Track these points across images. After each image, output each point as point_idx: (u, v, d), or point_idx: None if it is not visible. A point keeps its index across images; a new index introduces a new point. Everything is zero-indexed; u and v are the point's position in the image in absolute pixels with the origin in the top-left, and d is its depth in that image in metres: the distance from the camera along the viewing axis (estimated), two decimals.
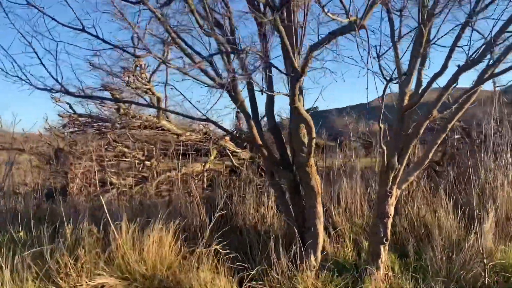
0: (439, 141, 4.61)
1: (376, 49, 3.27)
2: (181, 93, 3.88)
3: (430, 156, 4.59)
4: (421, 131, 4.38)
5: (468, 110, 4.59)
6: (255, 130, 4.12)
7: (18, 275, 3.84)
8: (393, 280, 4.50)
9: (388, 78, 3.59)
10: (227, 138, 9.41)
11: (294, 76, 3.08)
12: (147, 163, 7.70)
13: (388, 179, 4.38)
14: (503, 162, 5.89)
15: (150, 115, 8.45)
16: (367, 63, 3.24)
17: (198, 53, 3.86)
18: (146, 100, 7.72)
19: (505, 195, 5.44)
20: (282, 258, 4.35)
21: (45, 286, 3.83)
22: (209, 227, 4.47)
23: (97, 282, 3.73)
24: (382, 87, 3.63)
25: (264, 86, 4.13)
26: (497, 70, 4.11)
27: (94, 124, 7.97)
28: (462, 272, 4.45)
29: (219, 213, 4.63)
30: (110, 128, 7.51)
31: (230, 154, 9.09)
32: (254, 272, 4.24)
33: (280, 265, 4.33)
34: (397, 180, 4.40)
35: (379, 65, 3.46)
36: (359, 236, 5.14)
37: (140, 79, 7.28)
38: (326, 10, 2.74)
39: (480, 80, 4.25)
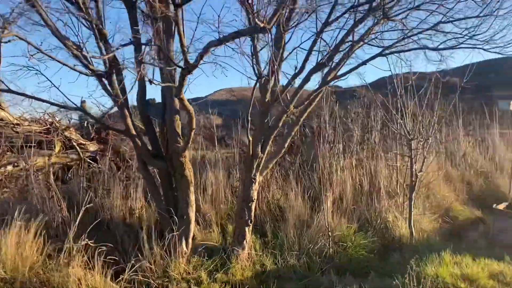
0: (293, 133, 5.28)
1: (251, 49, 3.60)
2: (48, 79, 3.56)
3: (286, 146, 5.22)
4: (280, 124, 4.95)
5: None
6: (129, 120, 4.06)
7: None
8: (256, 258, 4.98)
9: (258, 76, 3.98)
10: (72, 129, 8.75)
11: (186, 68, 3.20)
12: None
13: (252, 166, 4.83)
14: (336, 151, 7.02)
15: None
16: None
17: (62, 35, 3.61)
18: None
19: (338, 179, 6.51)
20: (155, 247, 4.41)
21: None
22: (74, 223, 4.21)
23: None
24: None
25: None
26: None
27: None
28: (310, 245, 5.21)
29: (84, 208, 4.39)
30: None
31: (77, 146, 8.49)
32: (127, 264, 4.18)
33: (153, 255, 4.39)
34: (260, 167, 4.89)
35: (253, 65, 3.81)
36: (225, 221, 5.51)
37: None
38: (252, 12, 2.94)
39: (325, 82, 5.02)
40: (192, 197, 4.58)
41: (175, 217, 4.58)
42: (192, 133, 3.98)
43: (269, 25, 3.15)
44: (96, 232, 4.44)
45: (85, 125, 8.97)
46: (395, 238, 5.83)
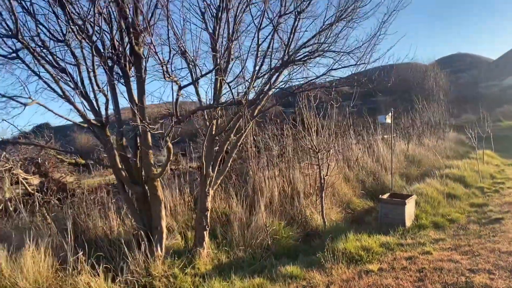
0: (234, 154, 6.82)
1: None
2: None
3: (228, 165, 6.74)
4: (224, 149, 6.47)
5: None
6: (117, 159, 5.27)
7: None
8: (213, 255, 6.40)
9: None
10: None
11: (177, 122, 4.54)
12: None
13: (206, 183, 6.26)
14: (261, 165, 8.72)
15: None
16: None
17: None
18: None
19: (267, 186, 8.19)
20: (137, 254, 5.61)
21: None
22: (71, 242, 5.27)
23: None
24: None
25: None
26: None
27: None
28: (252, 240, 6.76)
29: (71, 229, 5.44)
30: None
31: (23, 180, 9.09)
32: (118, 269, 5.35)
33: (136, 260, 5.59)
34: (212, 184, 6.34)
35: (204, 115, 5.31)
36: (184, 229, 6.84)
37: None
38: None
39: (252, 116, 6.62)
40: (163, 212, 5.87)
41: (149, 229, 5.82)
42: (168, 164, 5.30)
43: (245, 101, 4.68)
44: (88, 249, 5.52)
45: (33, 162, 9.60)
46: (313, 227, 7.66)
